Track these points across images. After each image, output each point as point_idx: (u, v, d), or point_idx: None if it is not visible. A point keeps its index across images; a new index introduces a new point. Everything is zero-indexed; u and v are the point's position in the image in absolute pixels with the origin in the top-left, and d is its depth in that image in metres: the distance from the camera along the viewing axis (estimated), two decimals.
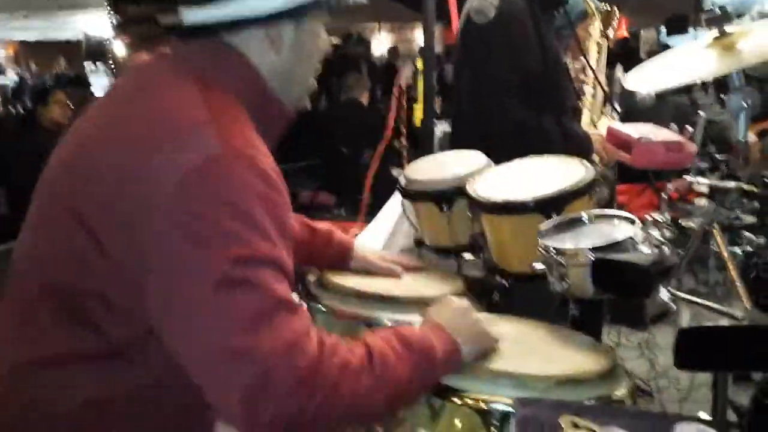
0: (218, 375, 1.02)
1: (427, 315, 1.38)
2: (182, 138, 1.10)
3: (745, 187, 1.19)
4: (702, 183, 1.29)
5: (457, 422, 1.47)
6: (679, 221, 1.34)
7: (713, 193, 1.26)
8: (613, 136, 2.34)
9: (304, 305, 1.10)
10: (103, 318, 1.11)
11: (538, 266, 1.77)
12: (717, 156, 1.48)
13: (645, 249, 1.65)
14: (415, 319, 1.76)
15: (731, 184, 1.22)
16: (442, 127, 4.41)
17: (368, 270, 1.92)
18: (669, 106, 4.78)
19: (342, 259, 1.90)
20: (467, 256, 2.24)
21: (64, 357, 1.12)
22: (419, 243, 2.31)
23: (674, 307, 1.47)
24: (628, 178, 4.19)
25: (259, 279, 1.03)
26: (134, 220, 1.07)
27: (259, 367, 1.00)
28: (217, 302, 1.01)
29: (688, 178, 1.34)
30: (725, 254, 1.21)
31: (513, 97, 2.54)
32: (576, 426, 1.25)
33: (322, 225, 1.82)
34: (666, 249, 1.60)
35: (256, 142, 1.16)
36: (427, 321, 1.36)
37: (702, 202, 1.27)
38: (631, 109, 4.49)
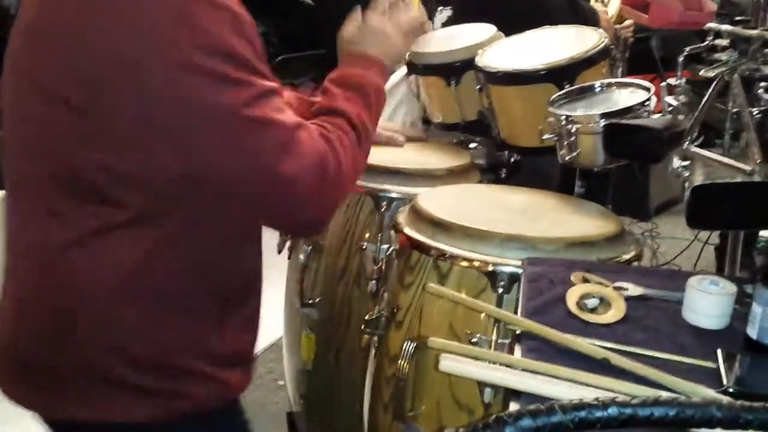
0: (276, 195, 1.10)
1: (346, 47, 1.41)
2: None
3: None
4: (724, 30, 1.24)
5: (464, 285, 1.48)
6: (699, 73, 1.29)
7: (734, 43, 1.22)
8: None
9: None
10: (121, 192, 1.06)
11: (548, 137, 1.74)
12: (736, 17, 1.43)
13: (658, 115, 1.61)
14: (420, 191, 1.75)
15: (754, 32, 1.17)
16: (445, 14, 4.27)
17: None
18: None
19: None
20: (473, 145, 2.21)
21: (93, 235, 1.07)
22: (426, 121, 2.27)
23: (686, 173, 1.44)
24: (637, 69, 4.12)
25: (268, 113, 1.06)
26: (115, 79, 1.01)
27: (299, 187, 1.09)
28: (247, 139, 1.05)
29: (709, 25, 1.28)
30: (743, 103, 1.17)
31: None
32: (586, 280, 1.25)
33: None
34: (680, 114, 1.56)
35: None
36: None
37: (722, 55, 1.23)
38: None
